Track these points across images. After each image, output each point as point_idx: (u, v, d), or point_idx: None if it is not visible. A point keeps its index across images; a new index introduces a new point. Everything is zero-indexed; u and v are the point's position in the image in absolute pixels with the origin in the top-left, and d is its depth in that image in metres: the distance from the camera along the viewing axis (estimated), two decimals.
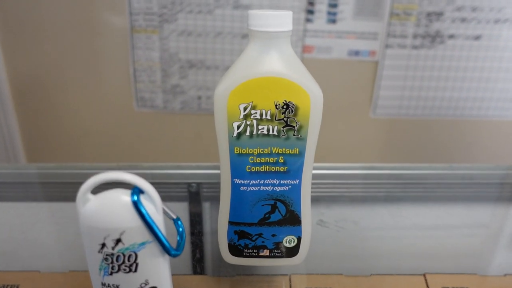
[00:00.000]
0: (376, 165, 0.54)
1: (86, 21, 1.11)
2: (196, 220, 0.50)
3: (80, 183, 0.24)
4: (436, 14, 1.13)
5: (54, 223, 0.52)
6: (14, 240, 0.49)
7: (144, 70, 1.18)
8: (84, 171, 0.55)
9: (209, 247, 0.50)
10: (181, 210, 0.51)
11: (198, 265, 0.47)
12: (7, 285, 0.43)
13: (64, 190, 0.54)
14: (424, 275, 0.45)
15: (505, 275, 0.45)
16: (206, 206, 0.52)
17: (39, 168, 0.57)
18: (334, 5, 1.12)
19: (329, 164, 0.53)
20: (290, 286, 0.42)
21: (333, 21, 1.14)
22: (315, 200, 0.38)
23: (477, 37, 1.15)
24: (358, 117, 1.24)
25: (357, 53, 1.17)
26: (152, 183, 0.24)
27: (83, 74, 1.16)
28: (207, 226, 0.51)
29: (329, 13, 1.13)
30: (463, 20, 1.14)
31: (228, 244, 0.35)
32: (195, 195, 0.51)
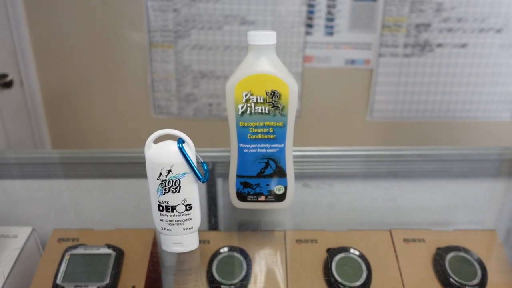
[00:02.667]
0: (355, 148, 0.72)
1: (109, 38, 1.31)
2: (211, 191, 0.69)
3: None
4: (424, 25, 1.31)
5: (100, 195, 0.70)
6: (71, 208, 0.68)
7: (160, 81, 1.37)
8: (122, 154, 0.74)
9: (222, 211, 0.68)
10: (199, 185, 0.69)
11: (213, 225, 0.65)
12: (70, 238, 0.59)
13: (111, 169, 0.73)
14: (390, 230, 0.60)
15: (453, 230, 0.61)
16: (220, 181, 0.70)
17: (63, 154, 0.76)
18: (331, 19, 1.31)
19: (317, 148, 0.71)
20: (285, 238, 0.59)
21: (330, 34, 1.33)
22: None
23: (463, 45, 1.33)
24: (356, 121, 1.41)
25: (353, 62, 1.36)
26: None
27: (106, 84, 1.36)
28: (220, 198, 0.69)
29: (326, 26, 1.32)
30: (450, 30, 1.31)
31: (236, 192, 0.53)
32: (211, 172, 0.70)
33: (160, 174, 0.42)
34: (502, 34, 1.30)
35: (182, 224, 0.45)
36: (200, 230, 0.54)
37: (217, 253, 0.55)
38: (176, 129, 0.43)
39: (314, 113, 1.38)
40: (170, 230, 0.45)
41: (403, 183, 0.70)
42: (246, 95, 0.48)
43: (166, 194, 0.43)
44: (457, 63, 1.36)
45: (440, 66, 1.36)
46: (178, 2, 1.26)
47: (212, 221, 0.68)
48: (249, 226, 0.60)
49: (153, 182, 0.43)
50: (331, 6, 1.31)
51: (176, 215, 0.44)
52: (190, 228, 0.45)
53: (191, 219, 0.45)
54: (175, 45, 1.33)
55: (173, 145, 0.42)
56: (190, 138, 0.44)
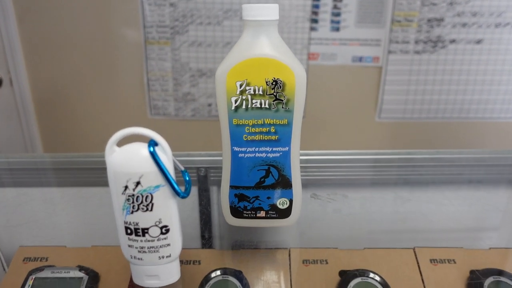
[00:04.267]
0: (368, 151, 0.61)
1: (102, 34, 1.21)
2: (204, 201, 0.57)
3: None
4: (437, 20, 1.20)
5: (76, 206, 0.59)
6: (41, 220, 0.57)
7: (157, 80, 1.27)
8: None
9: (216, 224, 0.56)
10: (191, 192, 0.58)
11: (206, 241, 0.54)
12: (38, 257, 0.49)
13: (84, 176, 0.61)
14: (413, 248, 0.49)
15: (489, 248, 0.49)
16: (214, 189, 0.59)
17: (54, 157, 0.64)
18: (337, 14, 1.20)
19: (324, 151, 0.60)
20: (290, 258, 0.48)
21: (336, 29, 1.22)
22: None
23: (479, 41, 1.21)
24: (364, 121, 1.30)
25: (361, 59, 1.24)
26: None
27: (99, 83, 1.25)
28: (214, 207, 0.57)
29: (332, 21, 1.21)
30: (464, 25, 1.20)
31: (230, 206, 0.42)
32: (204, 179, 0.58)
33: (126, 187, 0.31)
34: None
35: (157, 251, 0.33)
36: (190, 248, 0.45)
37: (208, 277, 0.44)
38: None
39: (319, 114, 1.27)
40: (141, 259, 0.34)
41: (428, 192, 0.59)
42: (241, 85, 0.37)
43: (134, 213, 0.32)
44: (472, 60, 1.24)
45: (453, 63, 1.24)
46: None
47: (205, 237, 0.56)
48: (247, 244, 0.49)
49: (117, 198, 0.32)
50: (337, 0, 1.20)
51: (149, 240, 0.33)
52: (167, 257, 0.34)
53: (168, 245, 0.33)
54: (172, 42, 1.23)
55: (142, 149, 0.31)
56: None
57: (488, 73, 1.26)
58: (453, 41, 1.23)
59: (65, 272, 0.45)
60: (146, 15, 1.21)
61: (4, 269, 0.50)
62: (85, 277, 0.44)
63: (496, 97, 1.27)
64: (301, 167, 0.42)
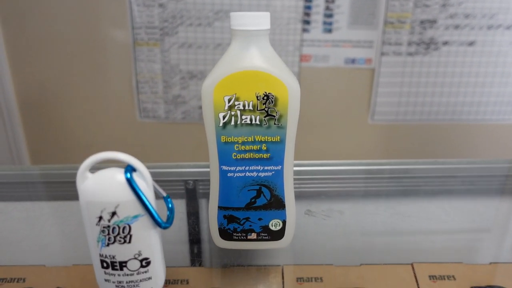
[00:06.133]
0: (363, 161, 0.57)
1: (90, 35, 1.16)
2: (192, 216, 0.54)
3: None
4: (430, 22, 1.17)
5: (57, 221, 0.55)
6: (20, 237, 0.52)
7: (146, 82, 1.22)
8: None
9: (206, 240, 0.53)
10: (178, 206, 0.54)
11: (194, 259, 0.50)
12: (14, 278, 0.46)
13: (65, 190, 0.57)
14: (411, 264, 0.47)
15: (490, 263, 0.47)
16: (203, 202, 0.55)
17: (42, 169, 0.60)
18: (329, 15, 1.17)
19: (317, 162, 0.56)
20: (283, 276, 0.45)
21: (329, 31, 1.18)
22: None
23: (471, 43, 1.19)
24: (357, 123, 1.27)
25: (353, 61, 1.21)
26: None
27: (88, 86, 1.21)
28: (203, 222, 0.54)
29: (325, 23, 1.18)
30: (457, 27, 1.17)
31: (219, 228, 0.38)
32: (192, 192, 0.55)
33: (101, 217, 0.27)
34: None
35: (137, 286, 0.30)
36: (177, 267, 0.41)
37: None
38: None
39: (311, 116, 1.23)
40: None
41: (426, 204, 0.56)
42: (229, 100, 0.33)
43: (110, 245, 0.28)
44: (465, 62, 1.22)
45: (446, 65, 1.22)
46: None
47: (193, 253, 0.53)
48: (238, 261, 0.46)
49: (91, 229, 0.28)
50: (329, 1, 1.16)
51: (127, 274, 0.29)
52: None
53: (149, 278, 0.30)
54: (162, 43, 1.18)
55: (118, 175, 0.27)
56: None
57: (481, 75, 1.23)
58: (446, 43, 1.20)
59: None
60: (134, 16, 1.16)
61: None
62: None
63: (488, 99, 1.25)
64: (293, 180, 0.38)
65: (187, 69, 1.19)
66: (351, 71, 1.20)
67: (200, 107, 1.23)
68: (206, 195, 0.55)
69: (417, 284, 0.45)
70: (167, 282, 0.42)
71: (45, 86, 1.20)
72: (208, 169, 0.55)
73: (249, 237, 0.38)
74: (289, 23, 1.16)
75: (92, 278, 0.44)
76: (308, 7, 1.15)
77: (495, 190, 0.59)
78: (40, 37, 1.14)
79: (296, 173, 0.38)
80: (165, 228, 0.28)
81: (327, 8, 1.15)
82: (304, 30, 1.17)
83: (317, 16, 1.16)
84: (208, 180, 0.55)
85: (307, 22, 1.17)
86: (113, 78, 1.19)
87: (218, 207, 0.37)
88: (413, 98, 1.24)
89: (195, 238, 0.52)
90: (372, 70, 1.20)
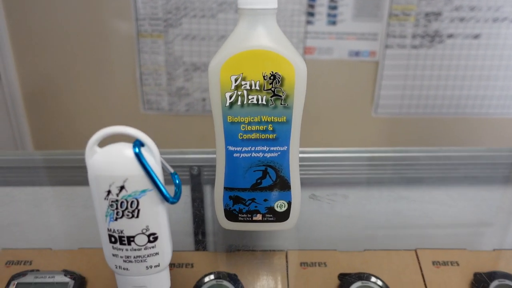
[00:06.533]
0: (368, 149, 0.58)
1: (94, 27, 1.17)
2: (197, 201, 0.54)
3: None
4: (435, 14, 1.17)
5: (63, 206, 0.56)
6: (25, 221, 0.53)
7: (150, 74, 1.22)
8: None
9: (210, 225, 0.53)
10: (183, 192, 0.54)
11: (199, 243, 0.51)
12: (21, 261, 0.46)
13: (71, 175, 0.58)
14: (415, 250, 0.47)
15: (493, 250, 0.47)
16: (207, 188, 0.56)
17: (47, 155, 0.61)
18: (334, 7, 1.17)
19: (321, 149, 0.56)
20: (287, 261, 0.45)
21: (333, 23, 1.18)
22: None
23: (476, 36, 1.19)
24: (360, 117, 1.27)
25: (357, 53, 1.21)
26: None
27: (91, 77, 1.21)
28: (208, 207, 0.54)
29: (329, 15, 1.18)
30: (462, 19, 1.17)
31: (224, 209, 0.39)
32: (197, 178, 0.55)
33: (109, 192, 0.27)
34: None
35: (145, 261, 0.30)
36: (182, 251, 0.42)
37: (201, 281, 0.41)
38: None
39: (315, 109, 1.24)
40: (127, 269, 0.30)
41: (430, 191, 0.56)
42: (236, 80, 0.34)
43: (119, 220, 0.28)
44: (469, 55, 1.21)
45: (451, 59, 1.22)
46: None
47: (198, 238, 0.53)
48: (242, 246, 0.46)
49: (99, 203, 0.28)
50: None
51: (135, 249, 0.29)
52: (156, 266, 0.31)
53: (156, 253, 0.30)
54: (165, 35, 1.19)
55: (127, 150, 0.27)
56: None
57: (485, 68, 1.23)
58: (450, 35, 1.20)
59: (49, 277, 0.42)
60: (138, 7, 1.17)
61: None
62: (71, 282, 0.41)
63: (492, 93, 1.25)
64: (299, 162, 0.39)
65: (191, 61, 1.20)
66: (355, 63, 1.20)
67: (204, 99, 1.23)
68: (211, 181, 0.55)
69: (421, 270, 0.45)
70: (172, 265, 0.42)
71: (49, 78, 1.20)
72: (212, 155, 0.55)
73: (254, 218, 0.39)
74: (293, 15, 1.16)
75: (97, 260, 0.45)
76: None
77: (500, 178, 0.59)
78: (44, 29, 1.15)
79: (300, 159, 0.38)
80: (172, 203, 0.28)
81: (332, 0, 1.15)
82: (308, 22, 1.17)
83: (321, 8, 1.16)
84: (213, 166, 0.56)
85: (311, 14, 1.17)
86: (117, 70, 1.20)
87: (224, 188, 0.38)
88: (417, 91, 1.24)
89: (200, 223, 0.52)
90: (376, 63, 1.20)
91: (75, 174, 0.56)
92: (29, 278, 0.42)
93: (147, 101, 1.23)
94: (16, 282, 0.42)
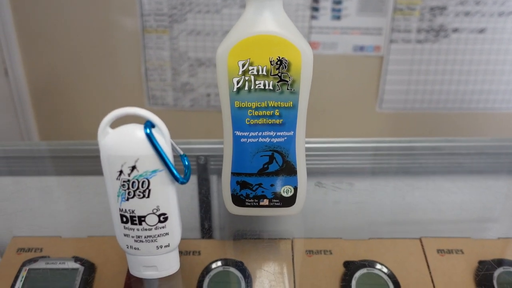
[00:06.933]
0: (374, 139, 0.58)
1: (99, 23, 1.18)
2: (204, 190, 0.55)
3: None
4: (440, 9, 1.17)
5: (72, 195, 0.57)
6: (35, 210, 0.54)
7: (155, 69, 1.24)
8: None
9: (217, 214, 0.54)
10: (190, 181, 0.55)
11: (206, 231, 0.52)
12: (32, 248, 0.47)
13: (80, 165, 0.59)
14: (420, 238, 0.48)
15: (498, 238, 0.48)
16: (214, 178, 0.56)
17: (55, 145, 0.62)
18: (338, 2, 1.17)
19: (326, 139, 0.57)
20: (292, 249, 0.46)
21: (337, 18, 1.19)
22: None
23: (482, 30, 1.19)
24: (365, 111, 1.27)
25: (362, 48, 1.22)
26: None
27: (97, 73, 1.22)
28: (214, 196, 0.55)
29: (333, 9, 1.18)
30: (467, 13, 1.17)
31: (231, 194, 0.39)
32: (203, 167, 0.56)
33: (121, 172, 0.28)
34: None
35: (155, 241, 0.31)
36: (190, 239, 0.42)
37: (208, 268, 0.42)
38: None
39: (319, 103, 1.24)
40: (138, 249, 0.31)
41: (435, 180, 0.56)
42: (243, 65, 0.34)
43: (130, 200, 0.29)
44: (474, 49, 1.21)
45: (456, 53, 1.22)
46: None
47: (205, 227, 0.54)
48: (249, 234, 0.47)
49: (111, 183, 0.29)
50: None
51: (145, 229, 0.30)
52: (166, 246, 0.31)
53: (166, 233, 0.31)
54: (170, 30, 1.20)
55: (138, 131, 0.28)
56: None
57: (491, 63, 1.23)
58: (455, 30, 1.20)
59: (60, 263, 0.43)
60: (143, 3, 1.18)
61: None
62: (81, 268, 0.42)
63: (498, 87, 1.25)
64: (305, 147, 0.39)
65: (196, 57, 1.20)
66: (360, 58, 1.21)
67: (208, 95, 1.24)
68: (217, 171, 0.56)
69: (425, 258, 0.45)
70: (180, 253, 0.43)
71: (55, 73, 1.22)
72: (219, 146, 0.56)
73: (261, 203, 0.39)
74: (298, 9, 1.16)
75: (106, 248, 0.46)
76: None
77: (504, 168, 0.60)
78: (50, 25, 1.16)
79: (307, 149, 0.39)
80: (182, 183, 0.29)
81: None
82: (313, 17, 1.18)
83: (326, 3, 1.17)
84: (219, 156, 0.56)
85: (315, 9, 1.17)
86: (122, 65, 1.21)
87: (231, 173, 0.38)
88: (422, 86, 1.24)
89: (207, 211, 0.53)
90: (380, 58, 1.20)
91: (85, 164, 0.57)
92: (40, 264, 0.43)
93: (152, 96, 1.24)
94: (27, 268, 0.43)
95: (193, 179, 0.56)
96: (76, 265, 0.43)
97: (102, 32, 1.17)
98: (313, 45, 1.20)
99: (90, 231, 0.48)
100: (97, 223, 0.52)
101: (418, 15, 1.17)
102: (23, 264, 0.43)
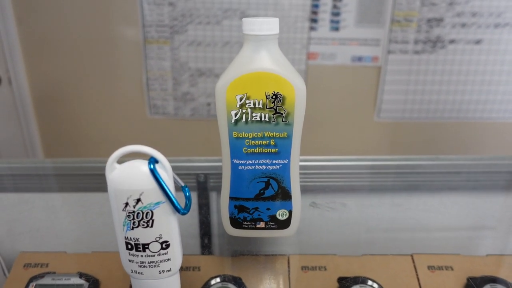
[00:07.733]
0: (367, 157, 0.61)
1: (102, 33, 1.20)
2: (204, 207, 0.57)
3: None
4: (437, 20, 1.19)
5: (76, 212, 0.59)
6: (42, 226, 0.57)
7: (156, 79, 1.26)
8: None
9: (216, 230, 0.56)
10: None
11: (205, 248, 0.54)
12: (38, 264, 0.49)
13: (85, 182, 0.61)
14: (411, 255, 0.50)
15: (486, 255, 0.50)
16: (213, 195, 0.59)
17: (55, 162, 0.64)
18: (337, 14, 1.20)
19: (322, 157, 0.60)
20: (289, 265, 0.48)
21: (336, 29, 1.21)
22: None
23: (478, 41, 1.21)
24: (363, 121, 1.29)
25: (360, 59, 1.24)
26: None
27: (99, 83, 1.25)
28: (214, 213, 0.58)
29: (332, 21, 1.20)
30: (463, 25, 1.20)
31: (230, 217, 0.42)
32: (203, 185, 0.58)
33: (127, 204, 0.31)
34: None
35: (158, 266, 0.33)
36: (190, 255, 0.45)
37: (208, 284, 0.44)
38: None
39: (318, 113, 1.26)
40: (142, 273, 0.34)
41: (424, 198, 0.59)
42: (241, 99, 0.37)
43: (135, 229, 0.32)
44: (471, 60, 1.24)
45: (452, 64, 1.24)
46: None
47: (204, 243, 0.56)
48: (247, 251, 0.49)
49: (118, 214, 0.32)
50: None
51: (149, 256, 0.33)
52: (167, 271, 0.34)
53: (168, 259, 0.34)
54: (171, 41, 1.22)
55: (143, 166, 0.31)
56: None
57: (487, 73, 1.25)
58: (452, 41, 1.22)
59: (65, 279, 0.45)
60: (145, 14, 1.20)
61: (5, 275, 0.51)
62: (85, 284, 0.44)
63: (494, 98, 1.27)
64: (299, 173, 0.42)
65: (196, 67, 1.23)
66: (358, 69, 1.23)
67: (208, 104, 1.27)
68: (217, 188, 0.59)
69: (416, 274, 0.47)
70: (180, 268, 0.46)
71: (58, 83, 1.24)
72: (218, 164, 0.58)
73: (257, 225, 0.42)
74: (297, 21, 1.19)
75: (109, 263, 0.48)
76: (316, 6, 1.18)
77: (494, 185, 0.62)
78: (54, 35, 1.19)
79: (302, 167, 0.41)
80: (183, 214, 0.32)
81: (335, 6, 1.18)
82: (312, 28, 1.20)
83: (325, 15, 1.19)
84: (218, 174, 0.59)
85: (314, 21, 1.20)
86: (123, 75, 1.24)
87: (230, 197, 0.41)
88: (419, 96, 1.26)
89: (206, 228, 0.56)
90: (378, 68, 1.23)
91: (90, 181, 0.60)
92: (46, 280, 0.46)
93: (153, 105, 1.27)
94: (35, 284, 0.45)
95: (193, 196, 0.59)
96: (81, 281, 0.45)
97: (104, 42, 1.20)
98: (312, 55, 1.22)
99: (95, 247, 0.50)
100: (102, 239, 0.54)
101: (415, 26, 1.19)
102: (31, 280, 0.45)
